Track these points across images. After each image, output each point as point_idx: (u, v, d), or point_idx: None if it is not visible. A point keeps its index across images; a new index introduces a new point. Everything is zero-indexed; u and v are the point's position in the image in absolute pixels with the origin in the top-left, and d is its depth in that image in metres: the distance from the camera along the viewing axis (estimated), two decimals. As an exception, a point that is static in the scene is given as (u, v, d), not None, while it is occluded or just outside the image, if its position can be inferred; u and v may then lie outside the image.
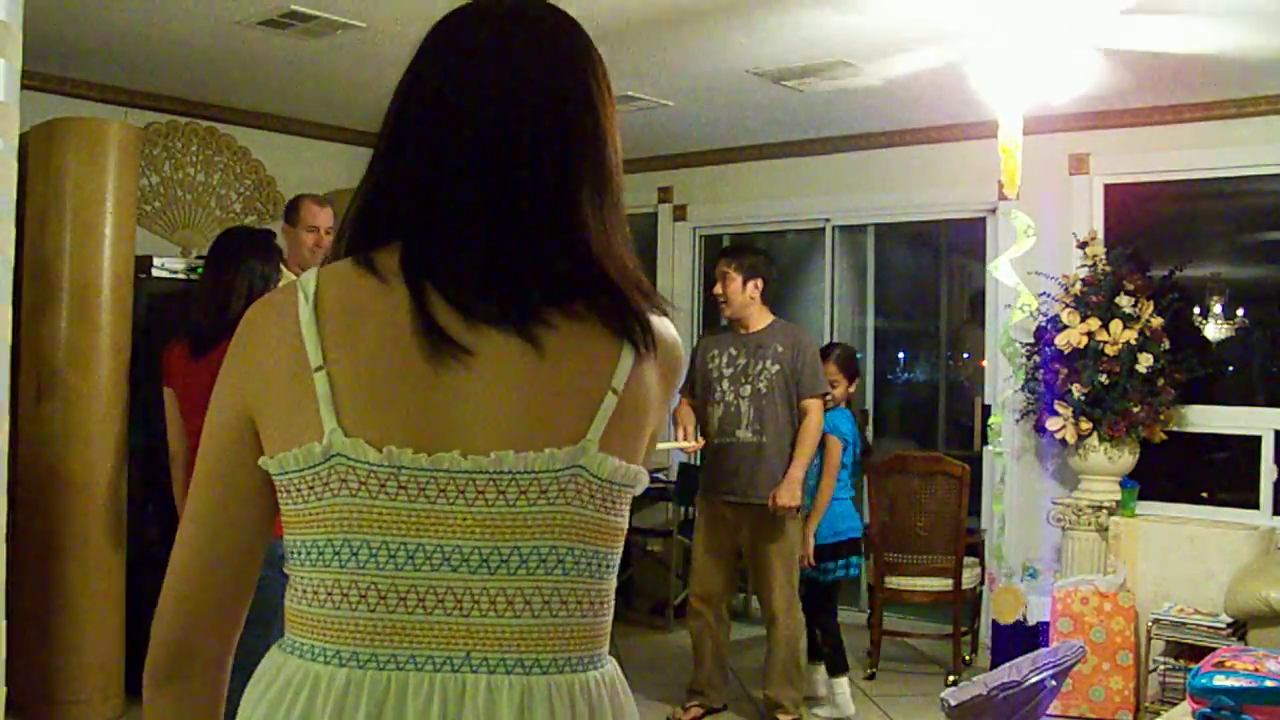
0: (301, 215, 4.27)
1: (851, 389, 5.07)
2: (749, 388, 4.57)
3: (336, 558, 1.05)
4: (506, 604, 1.05)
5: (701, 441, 4.66)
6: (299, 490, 1.06)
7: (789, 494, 4.47)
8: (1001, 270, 4.69)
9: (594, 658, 1.11)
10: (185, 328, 3.49)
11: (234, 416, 1.09)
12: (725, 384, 4.61)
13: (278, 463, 1.06)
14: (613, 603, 1.14)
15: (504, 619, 1.05)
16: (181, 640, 1.11)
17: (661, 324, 1.15)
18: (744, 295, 4.60)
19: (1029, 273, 5.22)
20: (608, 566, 1.12)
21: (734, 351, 4.64)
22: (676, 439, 4.57)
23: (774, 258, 7.38)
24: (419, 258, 1.06)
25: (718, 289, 4.65)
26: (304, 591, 1.07)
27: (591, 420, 1.07)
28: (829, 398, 4.66)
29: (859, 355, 6.63)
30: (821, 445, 4.65)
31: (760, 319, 4.65)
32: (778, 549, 4.57)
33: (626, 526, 1.14)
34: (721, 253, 4.83)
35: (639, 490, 1.13)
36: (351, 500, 1.03)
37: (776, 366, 4.57)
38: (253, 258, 3.38)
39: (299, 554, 1.08)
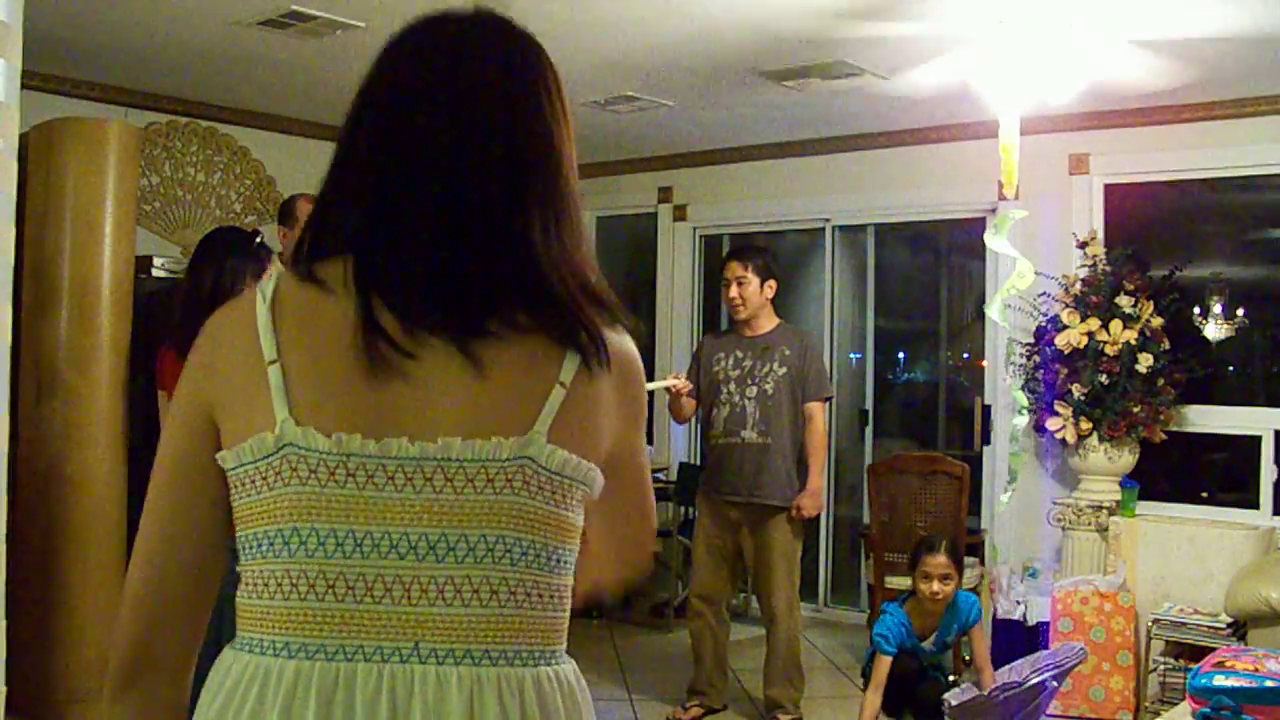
0: (298, 216, 4.26)
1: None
2: (755, 389, 4.56)
3: (286, 547, 1.05)
4: (455, 593, 1.05)
5: (689, 384, 4.63)
6: (252, 483, 1.07)
7: (813, 504, 4.51)
8: (997, 244, 4.68)
9: (548, 653, 1.12)
10: (172, 330, 3.49)
11: (193, 416, 1.11)
12: (731, 385, 4.61)
13: (234, 455, 1.07)
14: (568, 600, 1.14)
15: (453, 608, 1.05)
16: (142, 646, 1.11)
17: (618, 340, 1.17)
18: (761, 297, 4.60)
19: (1033, 272, 5.21)
20: (560, 562, 1.11)
21: (740, 354, 4.63)
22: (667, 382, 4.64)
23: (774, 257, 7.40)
24: (367, 271, 1.08)
25: (733, 292, 4.59)
26: (254, 585, 1.08)
27: (539, 412, 1.08)
28: (940, 597, 4.26)
29: (856, 354, 6.64)
30: None
31: (767, 321, 4.66)
32: (779, 549, 4.57)
33: (581, 524, 1.14)
34: (732, 255, 4.77)
35: (594, 491, 1.14)
36: (301, 489, 1.05)
37: (784, 369, 4.56)
38: (234, 257, 3.38)
39: (250, 548, 1.08)
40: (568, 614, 1.14)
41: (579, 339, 1.11)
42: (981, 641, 4.21)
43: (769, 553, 4.57)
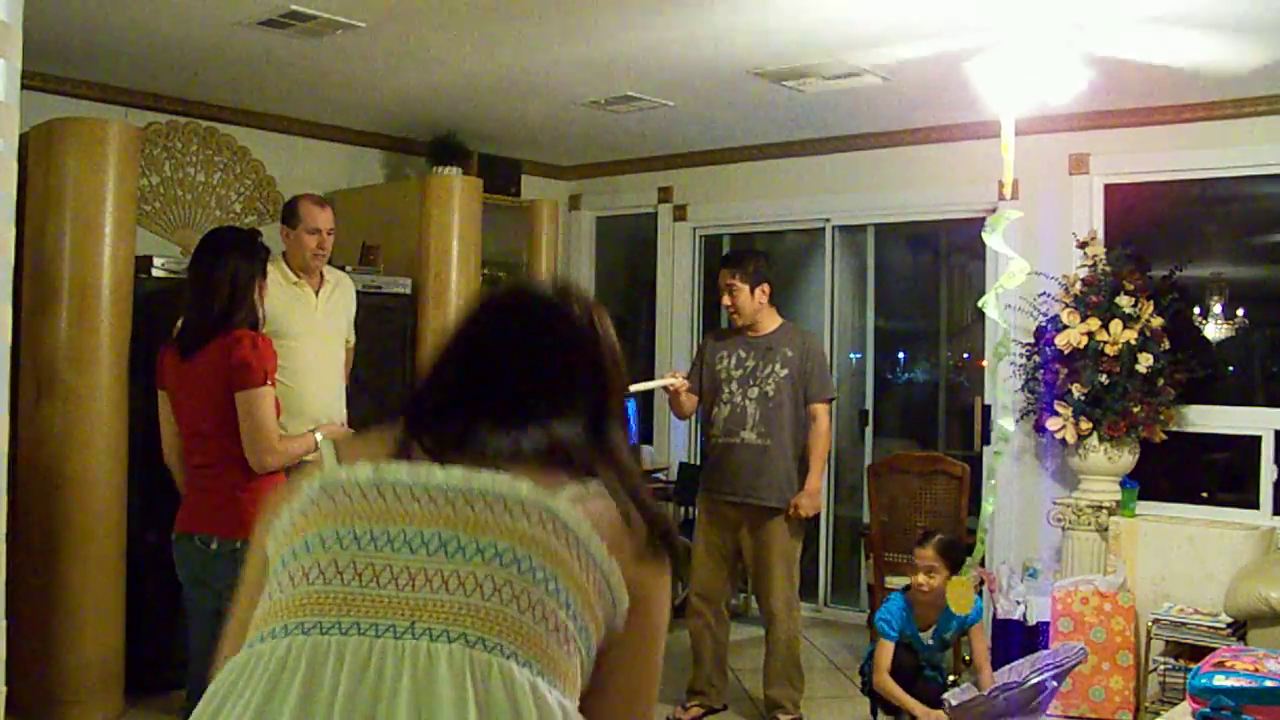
0: (302, 217, 4.21)
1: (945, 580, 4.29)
2: (756, 390, 4.58)
3: (307, 550, 1.18)
4: (458, 585, 1.14)
5: (686, 383, 4.66)
6: (291, 523, 1.27)
7: (811, 505, 4.52)
8: (994, 241, 4.68)
9: (545, 673, 1.15)
10: (174, 330, 3.48)
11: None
12: (734, 385, 4.62)
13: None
14: (572, 650, 1.19)
15: (454, 596, 1.14)
16: None
17: (641, 573, 1.28)
18: (754, 303, 4.62)
19: (1033, 272, 5.21)
20: (567, 604, 1.19)
21: (743, 354, 4.65)
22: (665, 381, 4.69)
23: (772, 257, 7.40)
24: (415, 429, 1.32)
25: (726, 300, 4.64)
26: (269, 590, 1.21)
27: (562, 489, 1.23)
28: (926, 590, 4.22)
29: (856, 354, 6.63)
30: None
31: (770, 322, 4.68)
32: (779, 550, 4.57)
33: (595, 607, 1.21)
34: (723, 262, 4.79)
35: (614, 619, 1.25)
36: (334, 506, 1.22)
37: (785, 370, 4.58)
38: (234, 257, 3.37)
39: (279, 562, 1.22)
40: (568, 661, 1.19)
41: (578, 474, 1.29)
42: (980, 641, 4.22)
43: (767, 553, 4.58)
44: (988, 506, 4.95)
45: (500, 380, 1.36)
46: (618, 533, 1.24)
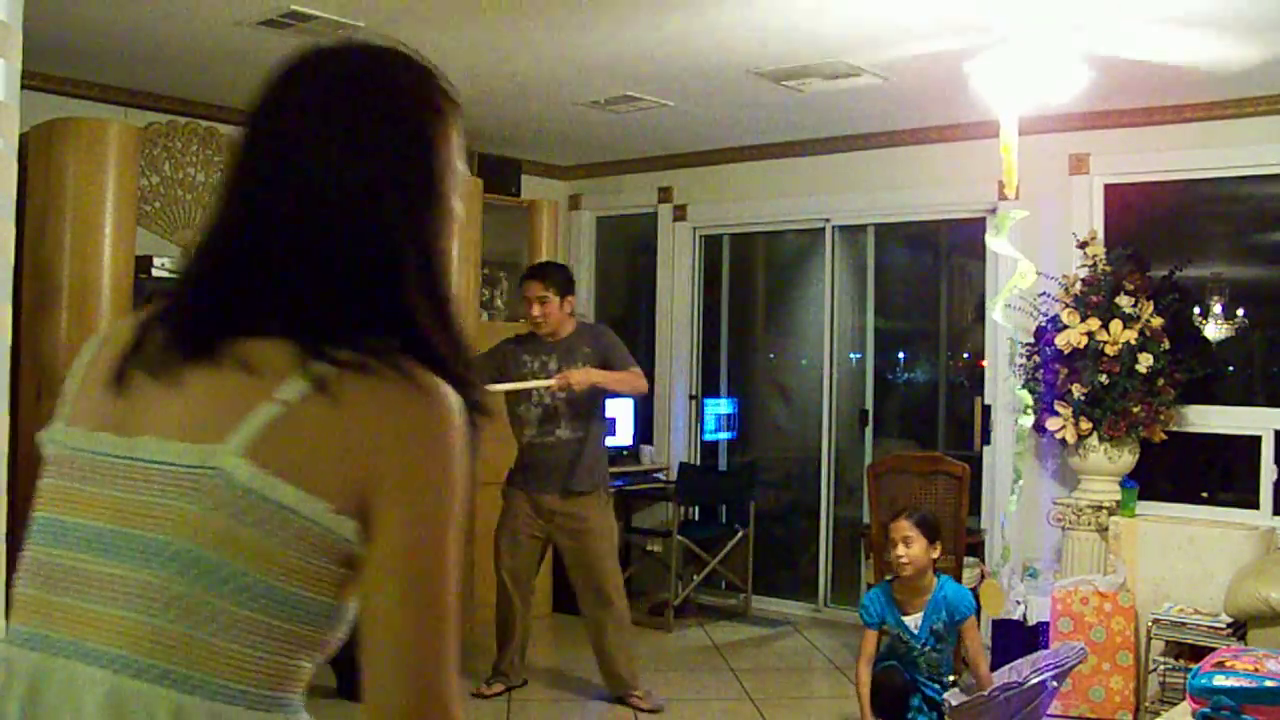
0: None
1: (934, 553, 4.21)
2: (569, 389, 4.75)
3: (29, 535, 1.11)
4: (118, 594, 1.00)
5: (555, 383, 4.78)
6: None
7: (579, 378, 4.67)
8: (998, 244, 4.69)
9: (214, 687, 1.00)
10: None
11: None
12: (543, 388, 4.82)
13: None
14: (281, 642, 1.02)
15: (114, 609, 1.00)
16: None
17: (396, 386, 1.04)
18: (561, 313, 4.86)
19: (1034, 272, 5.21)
20: (250, 592, 1.00)
21: (545, 357, 4.87)
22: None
23: (772, 257, 7.40)
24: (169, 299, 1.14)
25: (536, 311, 4.84)
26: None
27: (238, 425, 1.01)
28: (905, 560, 4.17)
29: (856, 354, 6.64)
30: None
31: (568, 327, 4.91)
32: (600, 531, 4.81)
33: (311, 567, 1.02)
34: (531, 275, 4.99)
35: (336, 538, 1.02)
36: (45, 481, 1.12)
37: (588, 366, 4.79)
38: None
39: None
40: (294, 661, 1.04)
41: (312, 363, 1.03)
42: (973, 637, 4.17)
43: (589, 537, 4.80)
44: (1011, 505, 4.97)
45: (227, 211, 1.12)
46: (354, 437, 1.02)
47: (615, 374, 4.80)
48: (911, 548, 4.08)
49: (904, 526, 4.14)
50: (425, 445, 1.03)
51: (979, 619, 5.60)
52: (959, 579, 5.24)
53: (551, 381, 4.74)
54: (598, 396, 4.84)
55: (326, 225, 1.07)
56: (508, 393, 4.85)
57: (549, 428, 4.82)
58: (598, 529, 4.83)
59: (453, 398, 1.06)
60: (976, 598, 5.28)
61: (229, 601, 1.00)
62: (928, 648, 4.10)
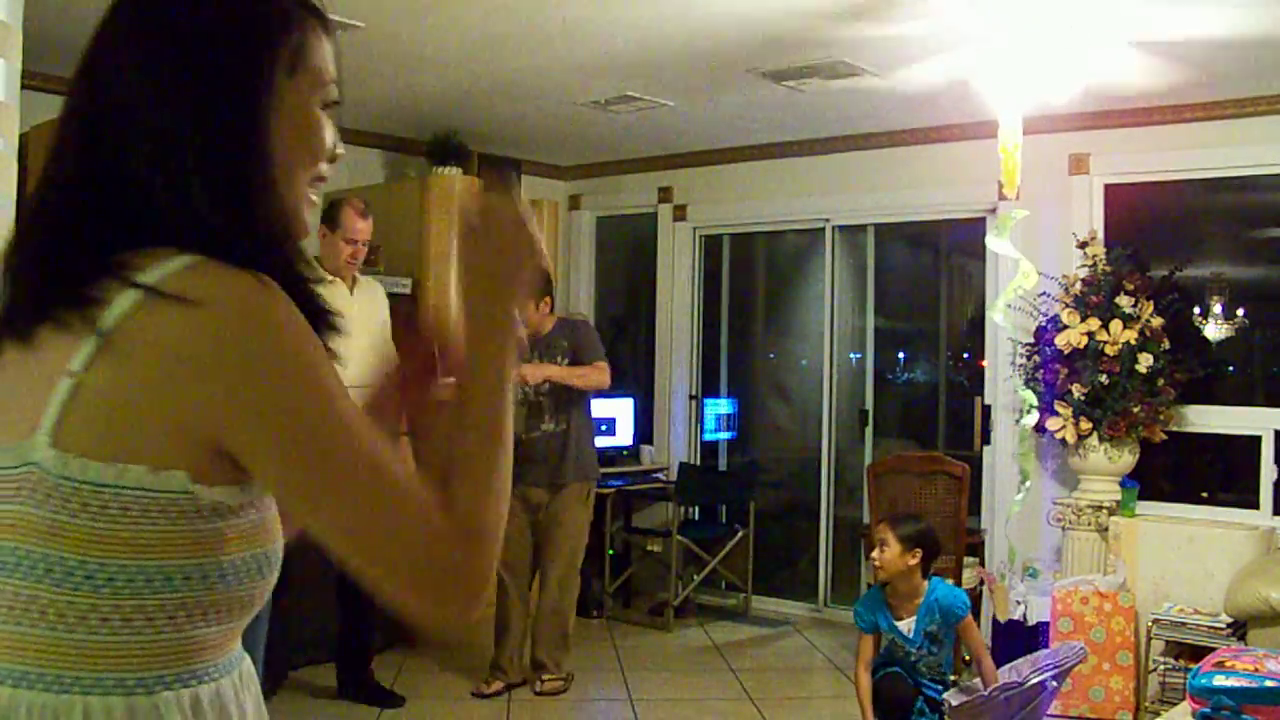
0: (342, 223, 4.46)
1: (912, 560, 4.07)
2: (547, 384, 4.87)
3: None
4: None
5: (541, 373, 4.87)
6: None
7: (531, 372, 4.77)
8: (999, 245, 4.69)
9: (90, 680, 0.96)
10: None
11: None
12: (530, 385, 4.90)
13: None
14: (124, 621, 0.96)
15: None
16: None
17: (192, 282, 0.95)
18: (539, 314, 4.93)
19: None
20: (85, 576, 0.94)
21: (527, 354, 4.90)
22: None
23: (772, 257, 7.40)
24: None
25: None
26: None
27: (43, 411, 0.95)
28: (878, 564, 4.13)
29: (856, 354, 6.63)
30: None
31: (548, 325, 5.00)
32: (568, 521, 4.94)
33: (130, 535, 0.95)
34: None
35: (172, 488, 0.96)
36: None
37: (565, 360, 4.91)
38: None
39: None
40: (126, 638, 0.97)
41: (91, 315, 0.95)
42: (972, 636, 4.12)
43: (556, 526, 4.93)
44: (1015, 506, 4.97)
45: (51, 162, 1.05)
46: (153, 388, 0.94)
47: (572, 369, 4.88)
48: (885, 552, 4.06)
49: (882, 529, 4.14)
50: (234, 363, 0.94)
51: (978, 618, 5.61)
52: (959, 579, 5.25)
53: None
54: (575, 390, 4.93)
55: (101, 141, 1.01)
56: None
57: (534, 422, 4.90)
58: (569, 521, 4.96)
59: (243, 293, 0.95)
60: (975, 598, 5.31)
61: (77, 593, 0.95)
62: (923, 651, 4.08)
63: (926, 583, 4.09)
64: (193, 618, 0.99)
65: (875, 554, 4.08)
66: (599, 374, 4.93)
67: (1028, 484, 4.84)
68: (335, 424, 0.96)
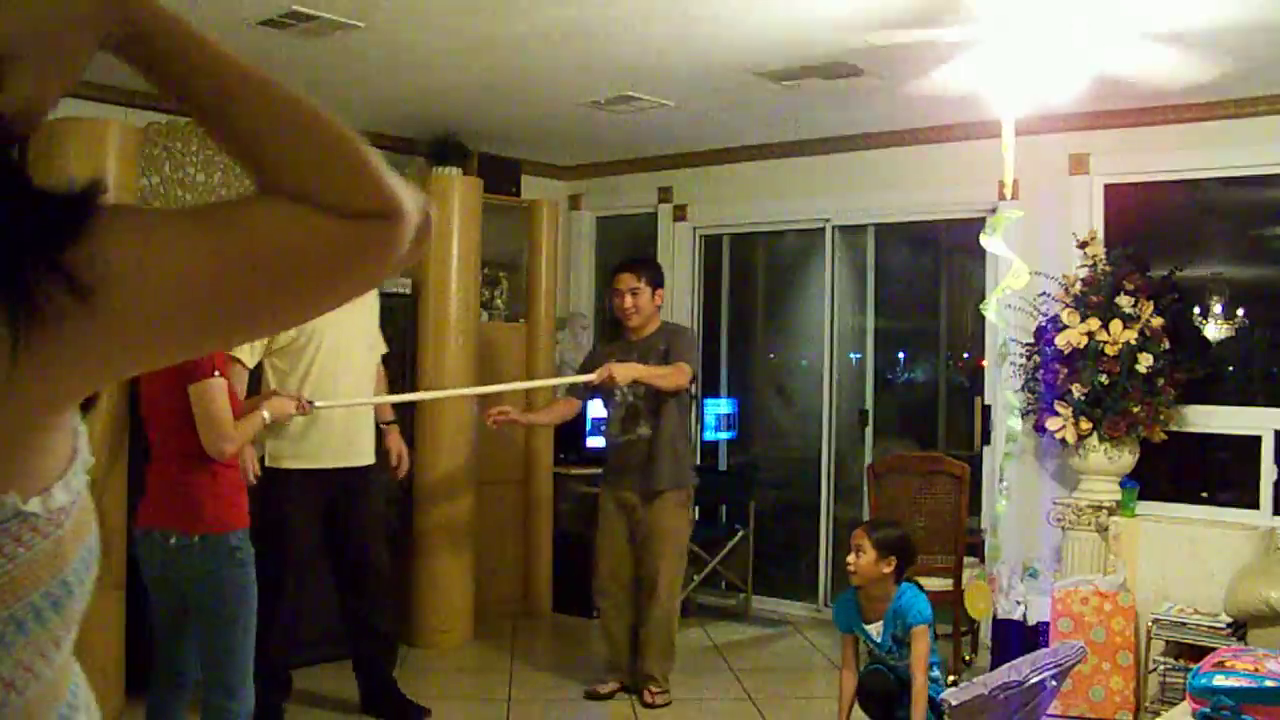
0: None
1: (886, 568, 4.05)
2: (644, 387, 4.82)
3: None
4: None
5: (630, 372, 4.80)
6: None
7: (621, 372, 4.68)
8: (992, 244, 4.70)
9: None
10: None
11: None
12: (625, 386, 4.84)
13: None
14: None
15: None
16: None
17: None
18: (651, 305, 4.91)
19: (1033, 272, 5.21)
20: None
21: (628, 356, 4.88)
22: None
23: (773, 257, 7.40)
24: None
25: (627, 302, 4.89)
26: None
27: None
28: (852, 569, 4.14)
29: (856, 354, 6.63)
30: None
31: (653, 325, 4.96)
32: (667, 528, 4.87)
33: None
34: (624, 267, 5.04)
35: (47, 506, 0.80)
36: None
37: (658, 364, 4.84)
38: None
39: None
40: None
41: None
42: (919, 644, 3.99)
43: (655, 532, 4.87)
44: (999, 508, 4.97)
45: None
46: None
47: (653, 369, 4.78)
48: (860, 558, 4.07)
49: (860, 534, 4.15)
50: None
51: (962, 623, 5.61)
52: (959, 579, 5.25)
53: (592, 376, 4.75)
54: (668, 393, 4.82)
55: None
56: (601, 396, 4.96)
57: (630, 426, 4.89)
58: (666, 528, 4.88)
59: None
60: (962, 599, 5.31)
61: None
62: (892, 655, 4.09)
63: (896, 588, 4.09)
64: (48, 656, 0.83)
65: (851, 558, 4.09)
66: (678, 375, 4.78)
67: (1005, 484, 4.84)
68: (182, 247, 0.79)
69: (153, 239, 0.78)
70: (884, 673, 4.07)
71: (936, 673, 4.02)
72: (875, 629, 4.10)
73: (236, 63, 0.87)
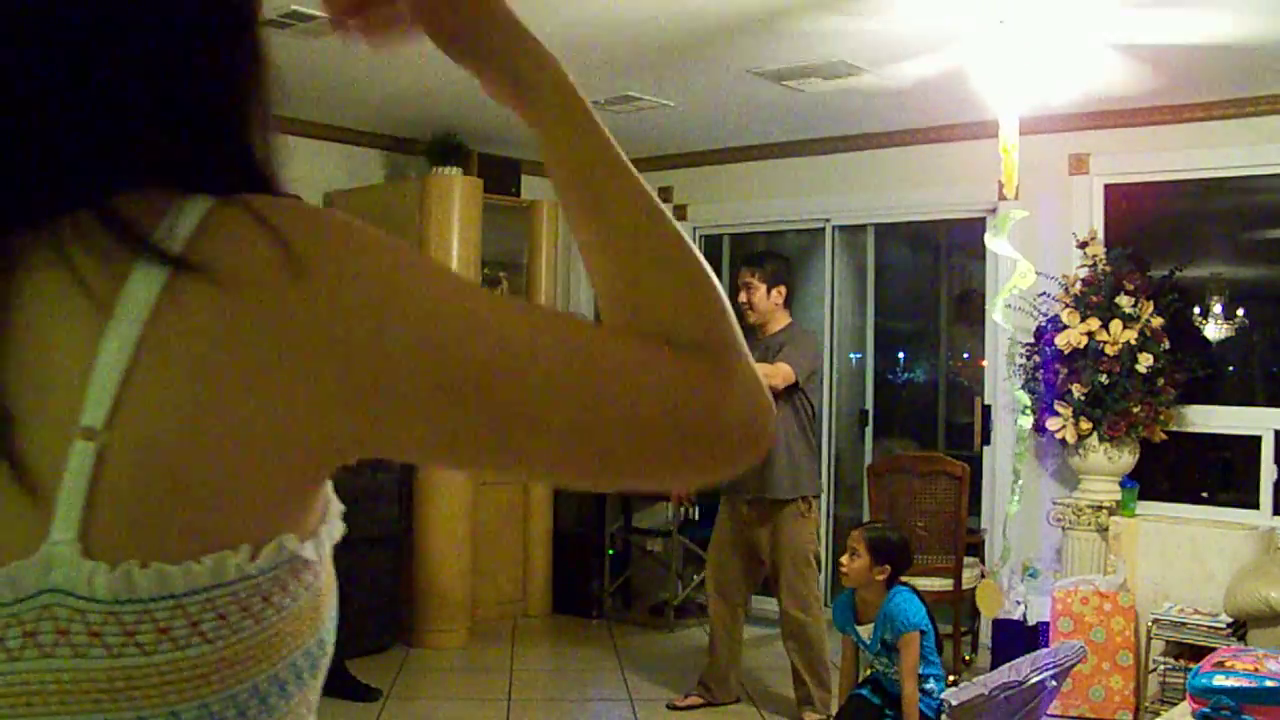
0: None
1: (879, 575, 4.04)
2: None
3: None
4: None
5: None
6: None
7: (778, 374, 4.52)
8: (997, 245, 4.70)
9: None
10: None
11: None
12: None
13: None
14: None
15: None
16: None
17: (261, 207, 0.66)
18: (768, 302, 4.78)
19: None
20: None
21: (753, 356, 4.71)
22: None
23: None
24: None
25: (742, 297, 4.77)
26: None
27: (54, 502, 0.59)
28: (845, 571, 4.15)
29: (856, 354, 6.63)
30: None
31: (778, 323, 4.82)
32: (787, 544, 4.67)
33: (234, 653, 0.62)
34: (743, 262, 4.98)
35: (250, 574, 0.62)
36: None
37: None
38: None
39: None
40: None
41: (130, 238, 0.62)
42: (907, 652, 3.95)
43: (778, 549, 4.70)
44: (1011, 507, 4.97)
45: None
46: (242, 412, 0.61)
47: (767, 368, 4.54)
48: (854, 561, 4.07)
49: (855, 537, 4.15)
50: (351, 318, 0.62)
51: (974, 623, 5.60)
52: (959, 579, 5.25)
53: None
54: (782, 395, 4.57)
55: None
56: None
57: None
58: (784, 542, 4.68)
59: (317, 233, 0.67)
60: (973, 599, 5.31)
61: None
62: (881, 658, 4.07)
63: (889, 591, 4.09)
64: None
65: (845, 560, 4.09)
66: (773, 374, 4.51)
67: (1020, 483, 4.84)
68: (499, 324, 0.66)
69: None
70: (865, 699, 4.05)
71: (931, 684, 3.96)
72: (866, 631, 4.11)
73: (637, 178, 0.79)
